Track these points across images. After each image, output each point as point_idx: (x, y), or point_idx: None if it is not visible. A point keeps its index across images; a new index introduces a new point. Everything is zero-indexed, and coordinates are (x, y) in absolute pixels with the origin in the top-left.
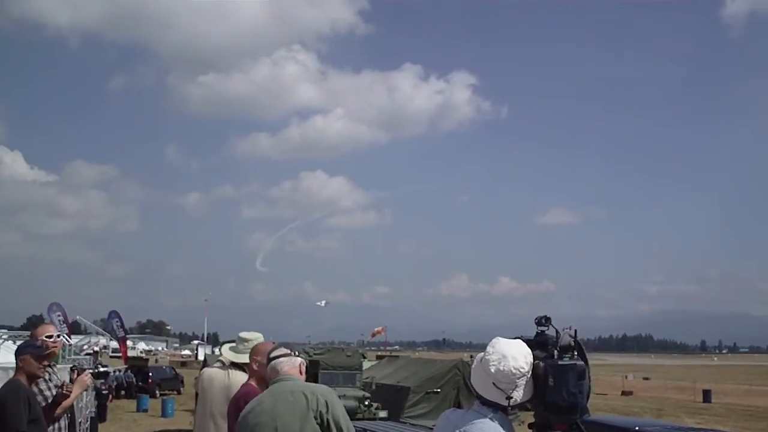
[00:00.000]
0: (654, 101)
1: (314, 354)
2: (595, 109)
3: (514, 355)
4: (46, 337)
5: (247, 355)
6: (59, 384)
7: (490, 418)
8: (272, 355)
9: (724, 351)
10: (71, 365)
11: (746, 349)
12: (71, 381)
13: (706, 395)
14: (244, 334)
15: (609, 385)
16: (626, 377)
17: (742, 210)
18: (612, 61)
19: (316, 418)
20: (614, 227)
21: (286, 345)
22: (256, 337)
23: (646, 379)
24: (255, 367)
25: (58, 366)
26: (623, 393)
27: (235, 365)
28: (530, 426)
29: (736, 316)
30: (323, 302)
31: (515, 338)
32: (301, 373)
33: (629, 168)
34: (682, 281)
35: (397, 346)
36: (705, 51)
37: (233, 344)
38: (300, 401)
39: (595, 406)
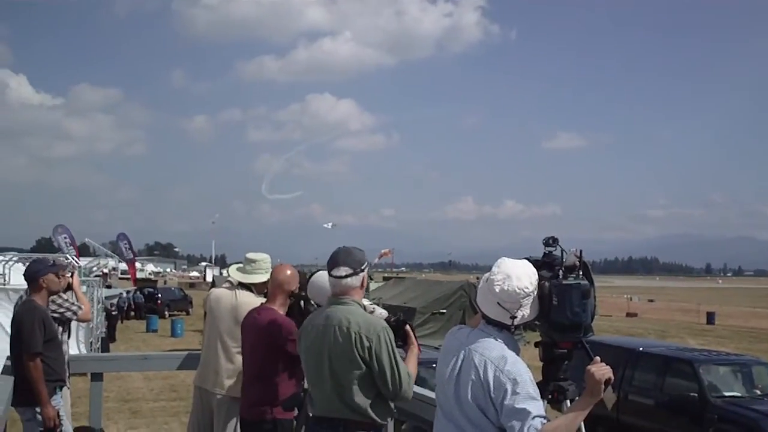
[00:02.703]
0: (664, 25)
1: None
2: (606, 33)
3: (518, 275)
4: None
5: (255, 275)
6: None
7: (494, 338)
8: (334, 274)
9: (728, 274)
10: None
11: (751, 273)
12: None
13: (710, 317)
14: (251, 255)
15: (614, 306)
16: (631, 299)
17: (749, 135)
18: None
19: (362, 358)
20: (621, 151)
21: (347, 253)
22: (263, 257)
23: (651, 301)
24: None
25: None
26: (628, 315)
27: (242, 285)
28: (536, 344)
29: (742, 239)
30: (330, 224)
31: (522, 259)
32: (362, 287)
33: (638, 93)
34: (688, 205)
35: (403, 268)
36: None
37: (240, 265)
38: (347, 338)
39: (599, 327)
